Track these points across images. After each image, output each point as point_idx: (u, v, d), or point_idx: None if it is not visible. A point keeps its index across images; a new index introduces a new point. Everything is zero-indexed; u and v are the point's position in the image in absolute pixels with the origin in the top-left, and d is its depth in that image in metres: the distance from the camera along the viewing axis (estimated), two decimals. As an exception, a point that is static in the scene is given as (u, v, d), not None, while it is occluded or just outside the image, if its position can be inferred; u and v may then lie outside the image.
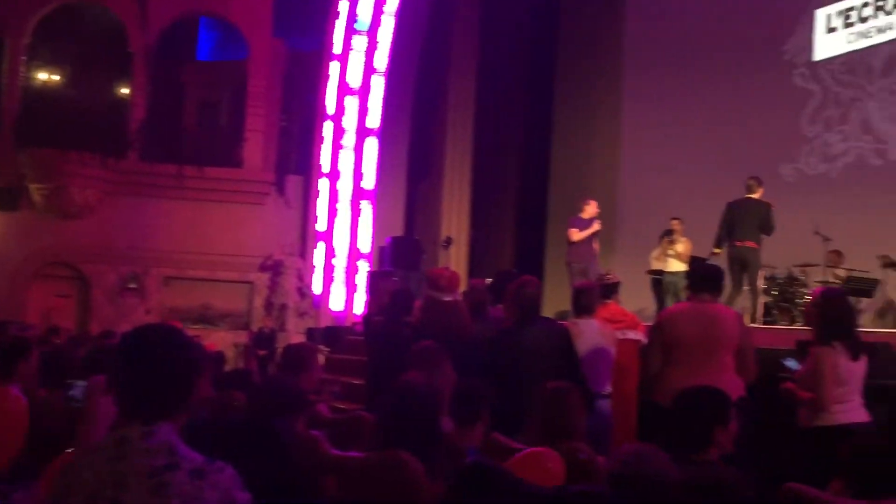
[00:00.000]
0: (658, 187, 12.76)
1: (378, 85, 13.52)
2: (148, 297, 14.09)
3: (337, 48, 13.57)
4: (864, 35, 10.84)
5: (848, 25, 11.06)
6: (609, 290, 6.08)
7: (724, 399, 3.01)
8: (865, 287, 9.29)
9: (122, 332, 4.00)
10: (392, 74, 13.50)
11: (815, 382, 3.96)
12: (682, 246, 10.11)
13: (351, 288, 12.88)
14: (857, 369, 4.01)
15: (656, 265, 10.59)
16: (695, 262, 9.83)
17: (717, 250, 8.64)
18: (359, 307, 12.49)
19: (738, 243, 8.20)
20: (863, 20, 10.88)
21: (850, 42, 11.02)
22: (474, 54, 14.14)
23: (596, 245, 9.26)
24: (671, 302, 9.33)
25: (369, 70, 13.53)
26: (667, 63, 13.08)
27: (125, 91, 14.90)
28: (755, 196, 8.37)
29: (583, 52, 14.68)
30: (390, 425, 2.49)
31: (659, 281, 10.58)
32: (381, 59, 13.51)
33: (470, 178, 14.11)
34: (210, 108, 15.54)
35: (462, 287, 5.53)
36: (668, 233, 10.30)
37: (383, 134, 13.60)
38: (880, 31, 10.66)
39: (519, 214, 14.96)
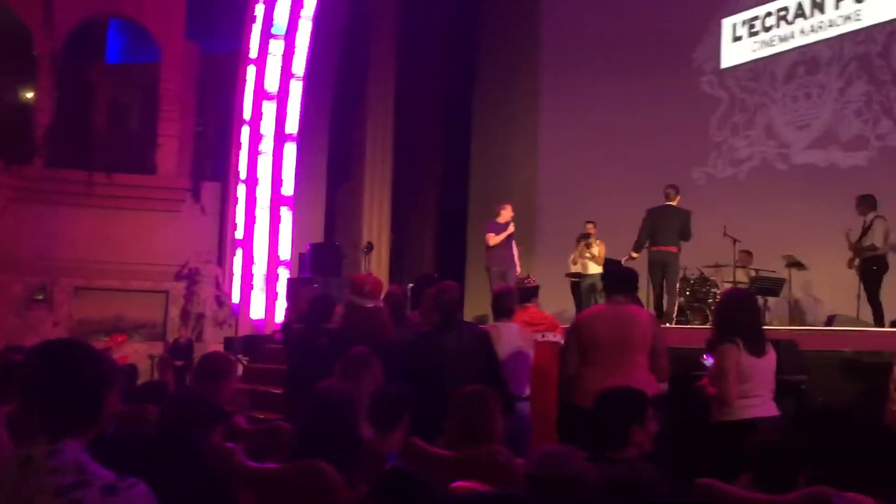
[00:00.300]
0: (576, 191, 13.00)
1: (296, 89, 13.37)
2: (56, 309, 13.57)
3: (253, 52, 13.37)
4: (768, 44, 11.29)
5: (753, 34, 11.50)
6: (528, 293, 6.16)
7: (641, 398, 3.09)
8: (772, 286, 9.66)
9: (29, 346, 3.85)
10: (310, 79, 13.37)
11: (719, 379, 4.08)
12: (597, 249, 10.34)
13: (271, 296, 12.69)
14: (762, 365, 4.11)
15: (574, 268, 10.80)
16: (609, 264, 10.07)
17: (634, 255, 8.89)
18: (279, 315, 12.32)
19: (660, 248, 8.54)
20: (766, 29, 11.34)
21: (754, 50, 11.46)
22: (393, 58, 14.13)
23: (516, 249, 9.38)
24: (591, 304, 9.53)
25: (287, 74, 13.36)
26: (583, 70, 13.35)
27: (30, 95, 14.34)
28: (673, 203, 8.81)
29: (501, 58, 14.86)
30: (307, 433, 2.46)
31: (578, 284, 10.79)
32: (299, 64, 13.37)
33: (390, 182, 14.09)
34: (121, 112, 15.09)
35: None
36: (584, 236, 10.51)
37: (302, 139, 13.45)
38: (782, 39, 11.12)
39: (439, 219, 15.01)
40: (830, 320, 8.76)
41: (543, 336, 5.82)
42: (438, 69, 15.10)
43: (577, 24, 13.68)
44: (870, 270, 8.28)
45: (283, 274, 12.68)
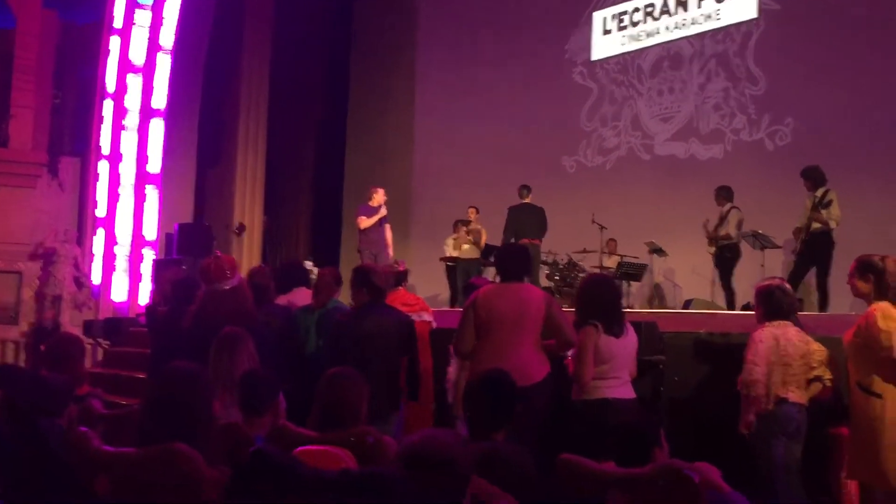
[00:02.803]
0: (450, 176, 13.12)
1: (164, 63, 12.77)
2: None
3: (117, 22, 12.67)
4: (636, 38, 11.74)
5: (621, 28, 11.92)
6: (399, 277, 6.20)
7: (511, 382, 3.16)
8: (635, 271, 10.10)
9: None
10: (179, 53, 12.81)
11: (577, 360, 4.21)
12: (477, 234, 10.50)
13: (135, 277, 12.14)
14: (621, 347, 4.25)
15: (450, 252, 10.91)
16: (494, 249, 10.27)
17: None
18: (143, 297, 11.82)
19: (525, 241, 9.05)
20: (634, 24, 11.77)
21: (623, 44, 11.89)
22: (268, 36, 13.78)
23: (388, 233, 9.40)
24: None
25: (154, 47, 12.75)
26: (458, 57, 13.46)
27: None
28: (528, 200, 9.83)
29: (378, 43, 14.78)
30: (156, 414, 2.38)
31: (453, 268, 10.91)
32: (168, 36, 12.78)
33: (264, 162, 13.76)
34: (-31, 80, 14.00)
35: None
36: (465, 222, 10.64)
37: (170, 115, 12.88)
38: (649, 35, 11.58)
39: (314, 201, 14.82)
40: (687, 304, 9.25)
41: (419, 316, 5.87)
42: (315, 50, 14.86)
43: (454, 12, 13.77)
44: (724, 258, 8.79)
45: (149, 255, 12.16)
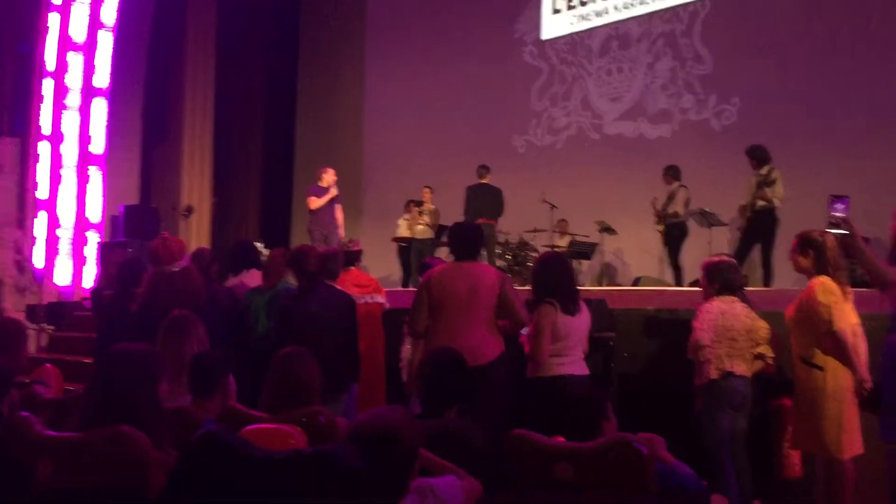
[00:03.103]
0: (401, 156, 13.07)
1: (106, 41, 12.44)
2: None
3: (57, -2, 12.32)
4: (585, 18, 11.78)
5: (571, 8, 11.95)
6: (353, 257, 6.16)
7: (461, 361, 3.18)
8: (586, 250, 10.21)
9: None
10: (122, 30, 12.49)
11: (534, 337, 4.24)
12: (430, 215, 10.48)
13: (79, 261, 11.87)
14: (576, 324, 4.30)
15: (402, 232, 10.88)
16: (447, 229, 10.26)
17: None
18: (88, 281, 11.57)
19: (483, 221, 8.98)
20: (583, 4, 11.81)
21: (572, 24, 11.92)
22: (214, 12, 13.50)
23: (339, 213, 9.34)
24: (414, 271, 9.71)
25: (95, 24, 12.40)
26: (408, 36, 13.37)
27: None
28: (486, 181, 9.73)
29: (327, 22, 14.60)
30: (103, 397, 2.33)
31: (406, 248, 10.89)
32: (109, 13, 12.44)
33: (211, 143, 13.52)
34: None
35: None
36: (417, 202, 10.61)
37: (114, 94, 12.56)
38: (598, 14, 11.64)
39: (264, 181, 14.63)
40: (636, 281, 9.38)
41: (373, 298, 5.86)
42: (263, 28, 14.62)
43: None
44: (672, 235, 8.92)
45: (93, 238, 11.89)
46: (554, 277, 4.35)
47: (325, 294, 4.61)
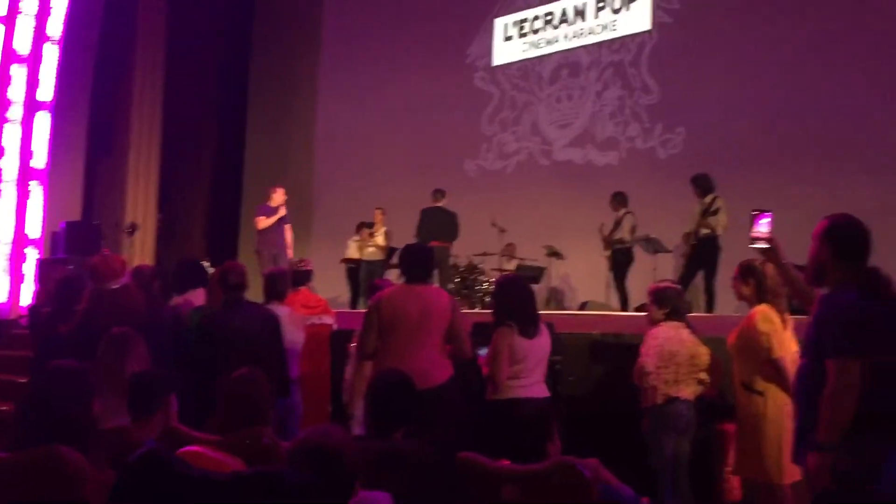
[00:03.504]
0: (352, 178, 13.05)
1: (51, 53, 12.22)
2: None
3: (1, 10, 12.05)
4: (536, 45, 11.97)
5: (522, 35, 12.13)
6: (302, 277, 6.13)
7: (409, 383, 3.17)
8: (534, 274, 10.28)
9: None
10: (68, 43, 12.27)
11: (492, 360, 4.24)
12: (382, 237, 10.47)
13: (16, 277, 11.53)
14: (535, 347, 4.30)
15: (351, 254, 10.84)
16: (400, 251, 10.24)
17: None
18: (26, 298, 11.25)
19: (437, 244, 9.06)
20: (535, 32, 12.01)
21: (524, 51, 12.10)
22: (163, 26, 13.32)
23: (289, 234, 9.28)
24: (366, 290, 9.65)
25: (41, 37, 12.16)
26: (362, 58, 13.41)
27: None
28: (441, 204, 9.71)
29: (280, 35, 14.55)
30: (33, 416, 2.27)
31: (355, 270, 10.85)
32: (56, 26, 12.23)
33: (158, 159, 13.29)
34: None
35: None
36: (368, 224, 10.59)
37: (58, 108, 12.30)
38: (549, 42, 11.83)
39: (212, 199, 14.44)
40: (583, 306, 9.49)
41: (321, 318, 5.82)
42: (214, 45, 14.49)
43: (358, 12, 13.71)
44: (618, 261, 9.06)
45: (32, 254, 11.58)
46: (514, 300, 4.37)
47: (248, 311, 4.54)
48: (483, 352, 4.47)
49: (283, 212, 9.11)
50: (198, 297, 5.23)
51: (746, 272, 4.22)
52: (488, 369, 4.28)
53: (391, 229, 10.49)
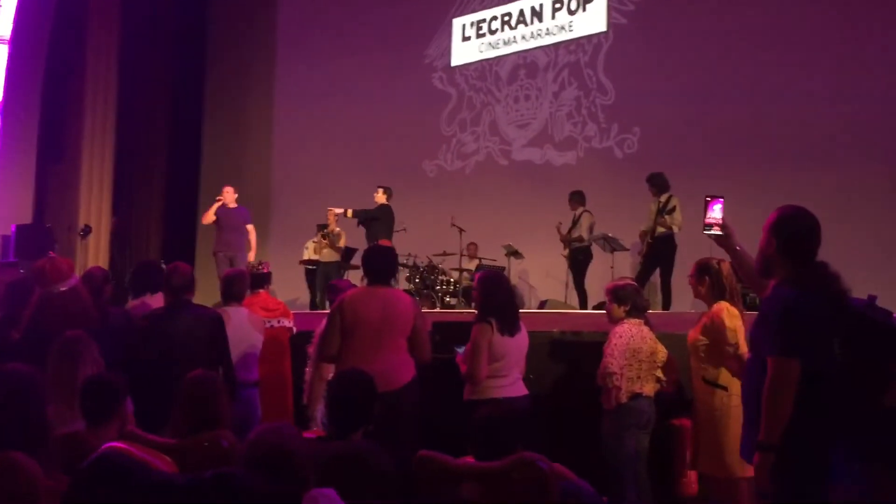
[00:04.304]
0: (310, 179, 12.98)
1: (1, 54, 11.98)
2: None
3: (-52, 7, 11.77)
4: (493, 46, 12.02)
5: (480, 36, 12.17)
6: (261, 280, 6.06)
7: (368, 383, 3.15)
8: (493, 273, 10.29)
9: None
10: (18, 42, 12.03)
11: (471, 357, 4.20)
12: (336, 237, 10.42)
13: (-34, 282, 11.27)
14: (514, 345, 4.28)
15: (311, 255, 10.77)
16: (353, 252, 10.21)
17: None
18: (-24, 304, 10.97)
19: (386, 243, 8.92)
20: (492, 32, 12.05)
21: (481, 51, 12.14)
22: (117, 27, 13.11)
23: (252, 234, 9.25)
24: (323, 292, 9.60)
25: (-10, 36, 11.93)
26: (319, 59, 13.34)
27: None
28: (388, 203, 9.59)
29: (236, 35, 14.42)
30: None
31: (312, 271, 10.79)
32: (5, 25, 11.99)
33: (112, 161, 13.07)
34: None
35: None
36: (324, 225, 10.54)
37: (7, 109, 12.06)
38: (506, 43, 11.89)
39: (167, 201, 14.23)
40: (542, 304, 9.55)
41: (280, 322, 5.77)
42: (169, 45, 14.29)
43: (315, 12, 13.64)
44: (577, 260, 9.14)
45: (-18, 258, 11.33)
46: (495, 296, 4.33)
47: (192, 312, 4.47)
48: (461, 349, 4.41)
49: (220, 200, 9.06)
50: (156, 300, 5.13)
51: (703, 270, 4.27)
52: (466, 367, 4.24)
53: (350, 230, 10.45)
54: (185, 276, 4.53)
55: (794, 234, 2.83)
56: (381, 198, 9.63)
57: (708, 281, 4.23)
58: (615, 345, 4.42)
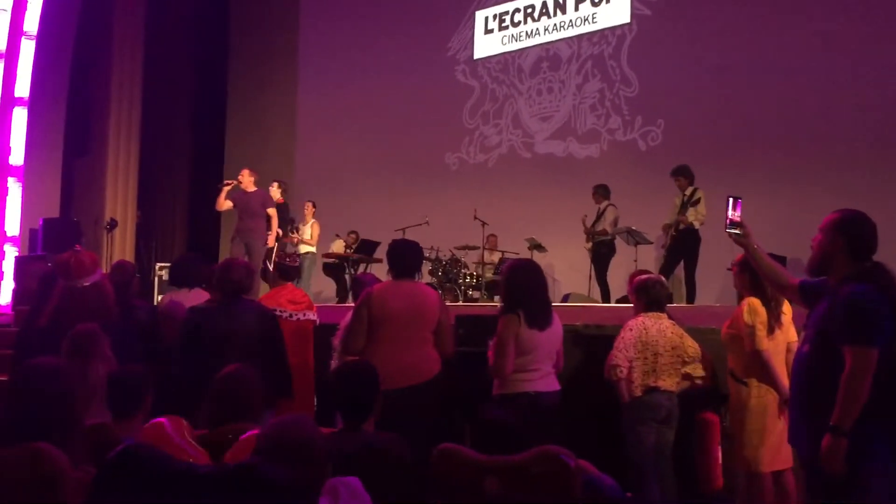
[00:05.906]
0: (334, 172, 13.01)
1: (28, 49, 12.09)
2: None
3: (-24, 4, 11.91)
4: (516, 38, 11.96)
5: (503, 28, 12.12)
6: (289, 272, 6.06)
7: (370, 372, 3.11)
8: (515, 266, 10.26)
9: None
10: (45, 38, 12.15)
11: (497, 350, 4.10)
12: (311, 228, 10.47)
13: (-5, 275, 11.45)
14: (544, 338, 4.14)
15: (339, 250, 10.84)
16: (369, 244, 10.23)
17: None
18: (4, 296, 11.15)
19: None
20: (515, 25, 12.00)
21: (504, 44, 12.09)
22: (142, 21, 13.22)
23: (274, 219, 9.21)
24: (303, 283, 9.54)
25: (17, 32, 12.03)
26: (342, 52, 13.35)
27: None
28: None
29: (258, 29, 14.48)
30: (16, 413, 2.25)
31: (331, 266, 10.85)
32: (32, 21, 12.10)
33: (137, 155, 13.20)
34: None
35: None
36: (292, 221, 10.52)
37: (35, 104, 12.18)
38: (529, 35, 11.83)
39: (192, 194, 14.35)
40: (566, 297, 9.51)
41: (305, 314, 5.78)
42: (192, 40, 14.40)
43: (338, 4, 13.66)
44: (600, 253, 9.09)
45: (11, 252, 11.47)
46: (522, 287, 4.21)
47: (242, 308, 4.45)
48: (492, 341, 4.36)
49: (232, 182, 8.86)
50: (194, 297, 5.12)
51: (743, 265, 4.24)
52: (493, 360, 4.14)
53: (372, 220, 10.46)
54: (242, 272, 4.53)
55: (861, 234, 2.94)
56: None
57: (746, 276, 4.22)
58: (623, 338, 4.41)
